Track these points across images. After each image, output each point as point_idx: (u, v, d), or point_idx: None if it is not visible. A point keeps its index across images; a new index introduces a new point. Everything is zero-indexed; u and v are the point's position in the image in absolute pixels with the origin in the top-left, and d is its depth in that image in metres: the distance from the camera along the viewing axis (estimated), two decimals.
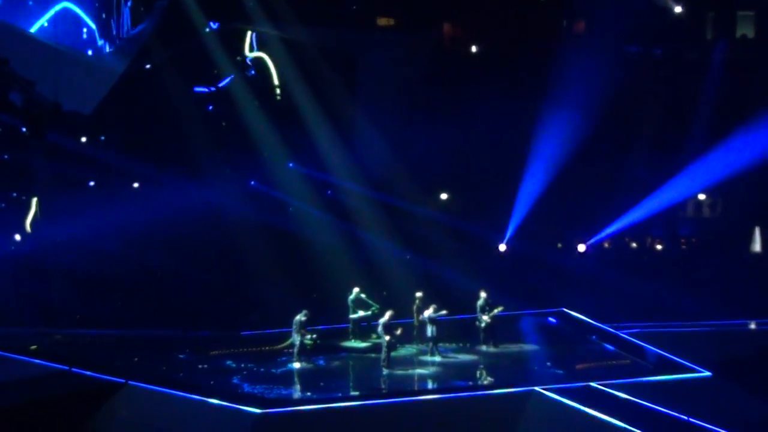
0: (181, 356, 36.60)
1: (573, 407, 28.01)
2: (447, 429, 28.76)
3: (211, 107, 47.02)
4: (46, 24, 53.60)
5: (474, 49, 51.60)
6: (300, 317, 34.45)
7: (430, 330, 35.70)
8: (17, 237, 44.38)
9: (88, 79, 44.39)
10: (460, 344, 38.07)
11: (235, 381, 32.52)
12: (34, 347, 36.10)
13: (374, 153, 48.69)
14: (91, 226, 42.46)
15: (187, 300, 42.23)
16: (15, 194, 43.42)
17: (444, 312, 36.02)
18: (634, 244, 53.11)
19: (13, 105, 30.17)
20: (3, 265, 41.32)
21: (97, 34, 50.90)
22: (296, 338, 34.45)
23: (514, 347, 38.22)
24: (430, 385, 33.00)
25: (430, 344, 35.86)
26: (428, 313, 35.81)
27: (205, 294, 42.82)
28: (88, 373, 31.40)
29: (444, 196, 50.60)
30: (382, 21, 50.73)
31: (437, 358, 35.44)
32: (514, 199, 48.77)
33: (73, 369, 31.68)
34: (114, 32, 49.60)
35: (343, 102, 48.58)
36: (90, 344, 39.63)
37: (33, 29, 52.68)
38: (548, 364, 35.76)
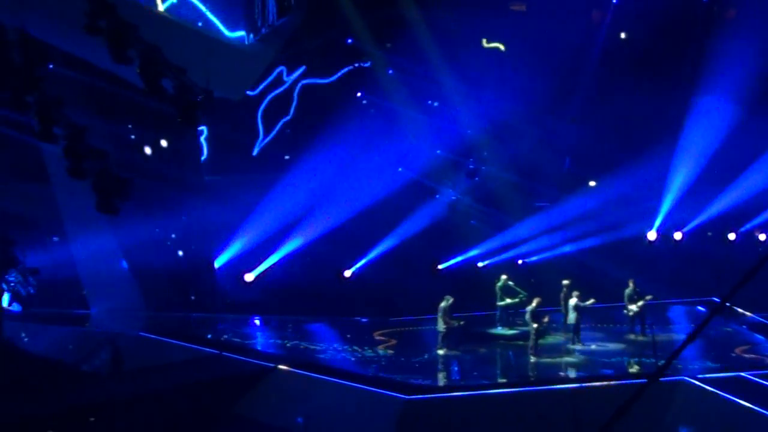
0: (329, 342, 37.12)
1: (723, 397, 27.58)
2: (593, 417, 28.58)
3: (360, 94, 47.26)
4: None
5: (623, 35, 50.78)
6: (444, 304, 34.54)
7: (572, 317, 35.59)
8: None
9: (237, 67, 44.93)
10: (609, 332, 37.85)
11: (381, 366, 32.83)
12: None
13: (520, 140, 48.48)
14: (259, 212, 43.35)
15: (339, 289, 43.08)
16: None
17: (592, 300, 35.85)
18: None
19: (166, 91, 30.49)
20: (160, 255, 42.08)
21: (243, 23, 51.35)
22: (441, 325, 34.55)
23: (662, 336, 37.81)
24: (576, 374, 32.81)
25: (572, 333, 35.77)
26: (574, 300, 35.70)
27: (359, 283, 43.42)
28: (239, 357, 32.01)
29: (592, 183, 50.08)
30: (519, 6, 49.98)
31: (578, 347, 35.24)
32: (664, 187, 48.05)
33: (224, 353, 32.29)
34: (259, 23, 49.99)
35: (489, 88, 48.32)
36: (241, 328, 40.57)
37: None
38: (698, 353, 35.26)
